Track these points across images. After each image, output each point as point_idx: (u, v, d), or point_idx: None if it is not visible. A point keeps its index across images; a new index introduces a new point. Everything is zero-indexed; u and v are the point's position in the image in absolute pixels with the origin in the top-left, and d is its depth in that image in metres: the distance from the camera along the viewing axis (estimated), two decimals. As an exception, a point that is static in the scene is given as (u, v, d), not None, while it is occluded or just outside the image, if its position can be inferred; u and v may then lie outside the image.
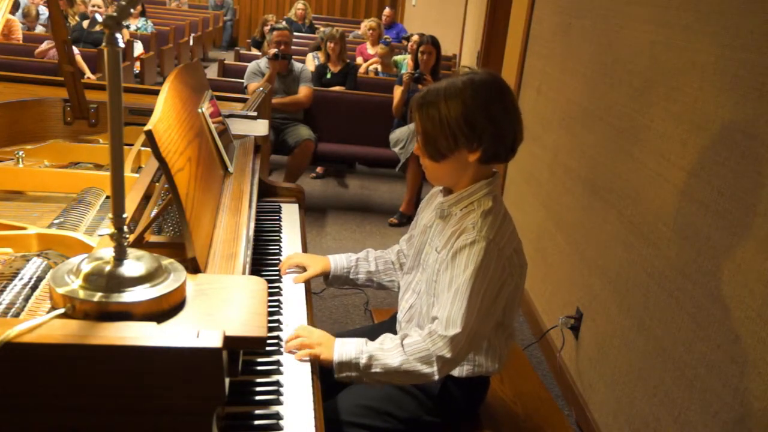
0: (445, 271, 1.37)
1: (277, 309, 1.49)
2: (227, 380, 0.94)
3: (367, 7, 12.80)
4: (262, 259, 1.73)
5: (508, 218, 1.44)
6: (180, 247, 1.19)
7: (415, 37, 5.95)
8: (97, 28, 6.57)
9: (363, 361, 1.34)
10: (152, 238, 1.27)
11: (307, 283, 1.66)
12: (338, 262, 1.73)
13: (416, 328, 1.45)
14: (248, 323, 1.00)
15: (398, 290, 1.73)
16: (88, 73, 5.62)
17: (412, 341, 1.35)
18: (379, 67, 6.09)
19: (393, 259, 1.75)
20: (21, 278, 1.14)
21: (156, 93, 1.80)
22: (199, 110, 1.59)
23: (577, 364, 2.53)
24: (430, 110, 1.37)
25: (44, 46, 5.70)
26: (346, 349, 1.35)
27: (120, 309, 0.92)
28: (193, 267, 1.15)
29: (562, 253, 2.80)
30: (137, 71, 7.02)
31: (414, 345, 1.35)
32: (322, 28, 7.55)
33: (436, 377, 1.36)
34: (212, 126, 1.64)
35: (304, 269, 1.68)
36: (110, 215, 0.94)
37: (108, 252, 0.97)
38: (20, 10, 7.37)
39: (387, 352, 1.35)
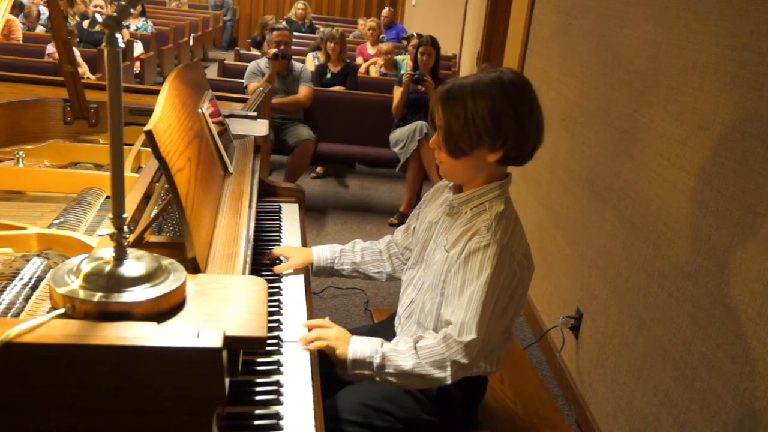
0: (457, 273, 1.36)
1: (277, 309, 1.49)
2: (227, 380, 0.94)
3: (367, 7, 12.80)
4: (263, 259, 1.73)
5: (519, 222, 1.43)
6: (180, 247, 1.19)
7: (414, 40, 5.96)
8: (97, 28, 6.57)
9: (377, 361, 1.34)
10: (152, 238, 1.27)
11: (307, 282, 1.66)
12: (321, 253, 1.72)
13: (431, 330, 1.44)
14: (248, 323, 0.99)
15: (386, 281, 1.75)
16: (87, 74, 5.62)
17: (426, 344, 1.35)
18: (383, 68, 6.08)
19: (381, 248, 1.74)
20: (21, 278, 1.14)
21: (156, 93, 1.80)
22: (199, 110, 1.59)
23: (577, 364, 2.53)
24: (456, 106, 1.33)
25: (53, 49, 5.67)
26: (361, 348, 1.35)
27: (120, 309, 0.92)
28: (193, 267, 1.15)
29: (562, 253, 2.80)
30: (137, 71, 7.01)
31: (428, 348, 1.34)
32: (322, 28, 7.55)
33: (449, 382, 1.35)
34: (212, 126, 1.64)
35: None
36: (110, 215, 0.94)
37: (108, 252, 0.97)
38: (23, 12, 7.36)
39: (400, 354, 1.35)
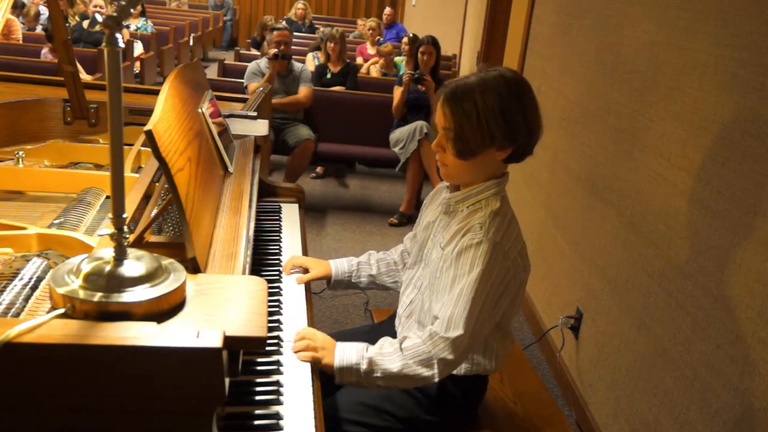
0: (448, 269, 1.36)
1: (277, 309, 1.49)
2: (227, 380, 0.94)
3: (367, 7, 12.80)
4: (262, 259, 1.73)
5: (515, 220, 1.43)
6: (180, 247, 1.19)
7: (405, 39, 5.96)
8: (97, 28, 6.57)
9: (363, 366, 1.33)
10: (152, 238, 1.27)
11: (307, 283, 1.66)
12: (339, 266, 1.72)
13: (415, 330, 1.44)
14: (248, 323, 1.00)
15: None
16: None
17: (412, 344, 1.34)
18: (383, 68, 6.07)
19: (396, 259, 1.74)
20: (21, 278, 1.14)
21: (156, 93, 1.80)
22: (199, 110, 1.59)
23: (577, 364, 2.53)
24: (465, 105, 1.33)
25: (48, 53, 5.64)
26: (347, 355, 1.34)
27: (120, 309, 0.92)
28: (193, 267, 1.15)
29: (562, 253, 2.80)
30: (137, 71, 7.01)
31: (414, 348, 1.34)
32: (322, 28, 7.55)
33: (437, 380, 1.35)
34: (212, 126, 1.64)
35: (307, 270, 1.69)
36: (110, 215, 0.94)
37: (108, 252, 0.97)
38: (23, 13, 7.35)
39: (386, 356, 1.34)
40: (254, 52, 6.91)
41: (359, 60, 6.76)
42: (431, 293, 1.44)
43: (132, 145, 1.86)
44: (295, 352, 1.34)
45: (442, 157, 1.41)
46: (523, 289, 1.46)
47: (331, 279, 1.72)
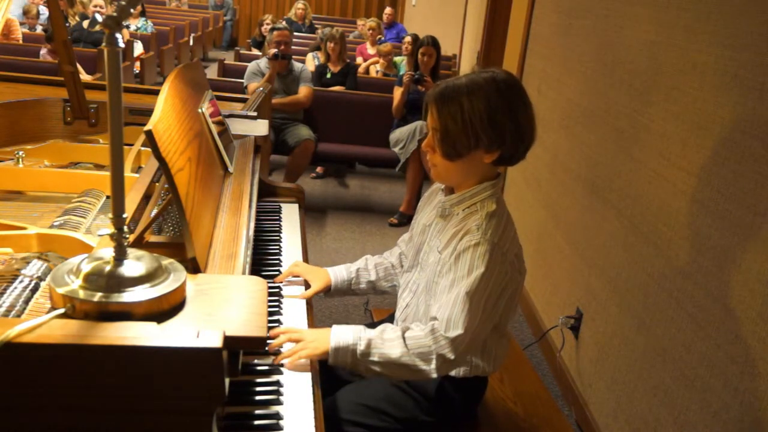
0: (447, 273, 1.35)
1: (277, 309, 1.49)
2: (227, 380, 0.94)
3: (367, 7, 12.80)
4: (262, 259, 1.73)
5: (511, 222, 1.42)
6: (180, 247, 1.19)
7: (408, 38, 5.95)
8: (97, 28, 6.57)
9: (361, 347, 1.32)
10: (152, 238, 1.27)
11: (307, 282, 1.66)
12: (338, 275, 1.69)
13: (417, 322, 1.44)
14: (248, 323, 1.00)
15: None
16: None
17: (414, 335, 1.34)
18: (383, 68, 6.07)
19: (394, 263, 1.73)
20: (21, 280, 1.14)
21: (156, 93, 1.80)
22: (199, 110, 1.59)
23: (577, 364, 2.53)
24: (452, 107, 1.32)
25: (47, 54, 5.64)
26: (344, 335, 1.33)
27: (120, 309, 0.92)
28: (193, 267, 1.16)
29: (562, 253, 2.80)
30: (137, 71, 7.01)
31: (416, 339, 1.34)
32: (322, 28, 7.55)
33: (434, 375, 1.34)
34: (212, 126, 1.64)
35: (306, 281, 1.65)
36: (110, 215, 0.94)
37: (108, 252, 0.97)
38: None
39: (387, 341, 1.34)
40: (254, 52, 6.91)
41: (359, 60, 6.76)
42: (428, 297, 1.44)
43: (132, 145, 1.86)
44: (282, 359, 1.30)
45: (432, 157, 1.41)
46: (519, 292, 1.46)
47: (331, 289, 1.69)
